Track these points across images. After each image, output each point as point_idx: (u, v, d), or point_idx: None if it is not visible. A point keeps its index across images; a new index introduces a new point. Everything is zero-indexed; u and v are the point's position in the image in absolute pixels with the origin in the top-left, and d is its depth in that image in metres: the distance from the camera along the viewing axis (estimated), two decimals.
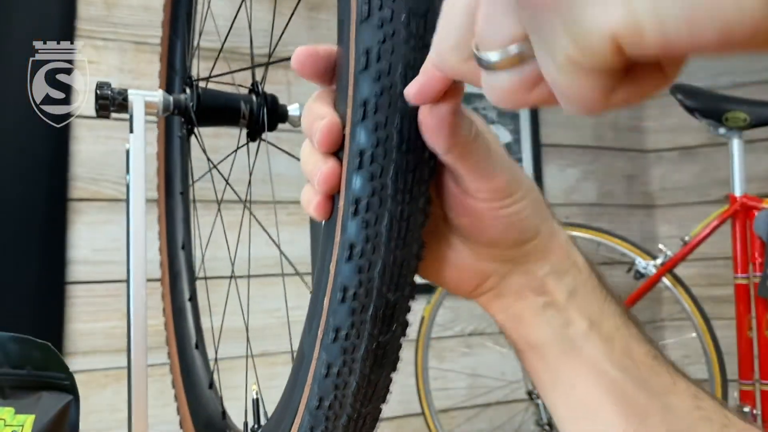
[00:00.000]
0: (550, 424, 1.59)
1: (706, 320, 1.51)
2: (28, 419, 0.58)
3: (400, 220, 0.32)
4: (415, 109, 0.32)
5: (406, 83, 0.31)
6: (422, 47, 0.31)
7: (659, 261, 1.51)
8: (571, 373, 0.37)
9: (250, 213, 0.75)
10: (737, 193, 1.45)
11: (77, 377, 0.62)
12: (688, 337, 1.63)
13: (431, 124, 0.32)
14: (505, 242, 0.36)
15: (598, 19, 0.18)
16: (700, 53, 0.17)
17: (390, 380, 0.36)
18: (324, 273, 0.35)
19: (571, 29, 0.19)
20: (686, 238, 1.50)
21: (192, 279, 0.98)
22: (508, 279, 0.38)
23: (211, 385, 0.87)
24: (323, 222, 0.36)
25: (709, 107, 1.45)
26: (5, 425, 0.57)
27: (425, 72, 0.30)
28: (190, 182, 1.01)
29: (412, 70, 0.31)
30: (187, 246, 1.00)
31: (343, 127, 0.34)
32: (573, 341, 0.37)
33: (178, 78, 0.99)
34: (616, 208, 2.10)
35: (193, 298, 0.97)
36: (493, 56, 0.24)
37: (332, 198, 0.35)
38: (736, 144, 1.45)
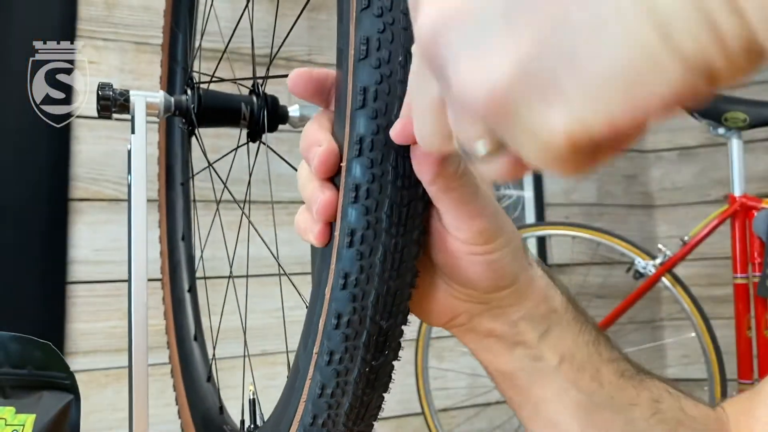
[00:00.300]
0: None
1: (706, 320, 1.51)
2: (29, 419, 0.58)
3: (394, 252, 0.33)
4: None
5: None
6: None
7: (658, 261, 1.51)
8: (539, 397, 0.39)
9: (247, 216, 0.75)
10: (736, 193, 1.45)
11: (78, 377, 0.62)
12: (688, 336, 1.63)
13: (418, 152, 0.32)
14: (480, 286, 0.37)
15: (550, 125, 0.19)
16: (648, 124, 0.19)
17: (382, 399, 0.37)
18: (319, 297, 0.36)
19: (532, 137, 0.20)
20: (685, 238, 1.50)
21: (192, 270, 0.98)
22: (479, 319, 0.39)
23: (210, 378, 0.87)
24: (318, 254, 0.37)
25: (709, 107, 1.45)
26: (6, 424, 0.57)
27: (405, 114, 0.31)
28: (191, 174, 1.01)
29: None
30: (187, 237, 1.00)
31: (341, 155, 0.34)
32: (542, 372, 0.39)
33: (180, 78, 0.99)
34: (615, 208, 2.11)
35: (192, 290, 0.97)
36: (477, 152, 0.24)
37: (330, 225, 0.36)
38: (735, 144, 1.45)
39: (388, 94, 0.32)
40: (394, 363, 0.36)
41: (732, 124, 1.42)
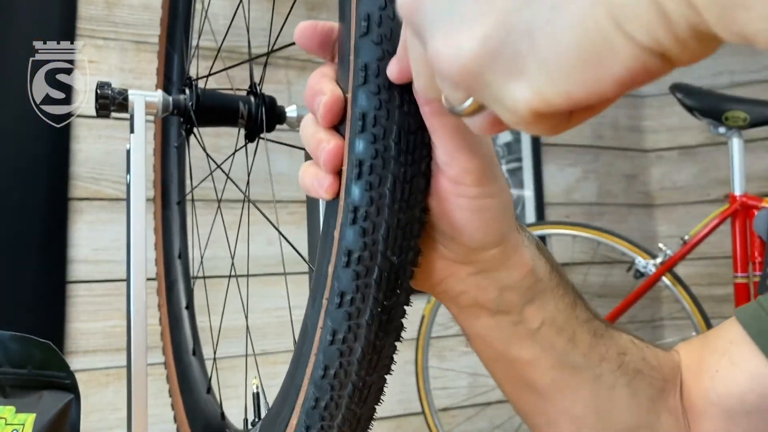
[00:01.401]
0: None
1: (706, 319, 1.51)
2: (29, 418, 0.58)
3: (403, 181, 0.32)
4: None
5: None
6: None
7: (659, 260, 1.51)
8: (514, 357, 0.41)
9: (253, 205, 0.75)
10: (737, 192, 1.45)
11: (78, 376, 0.62)
12: (688, 336, 1.63)
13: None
14: (466, 236, 0.36)
15: (515, 97, 0.22)
16: (609, 97, 0.21)
17: (395, 349, 0.36)
18: (327, 241, 0.35)
19: (502, 105, 0.23)
20: (686, 238, 1.50)
21: (189, 287, 0.98)
22: (464, 285, 0.38)
23: (209, 390, 0.87)
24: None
25: (709, 106, 1.45)
26: (6, 424, 0.57)
27: (401, 54, 0.31)
28: (188, 191, 1.01)
29: None
30: (184, 255, 1.00)
31: (345, 99, 0.34)
32: (521, 335, 0.40)
33: (175, 87, 0.99)
34: (616, 208, 2.10)
35: (189, 306, 0.97)
36: (458, 108, 0.27)
37: (339, 175, 0.35)
38: (735, 143, 1.45)
39: (392, 18, 0.31)
40: (406, 308, 0.35)
41: (732, 124, 1.42)
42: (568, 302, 0.41)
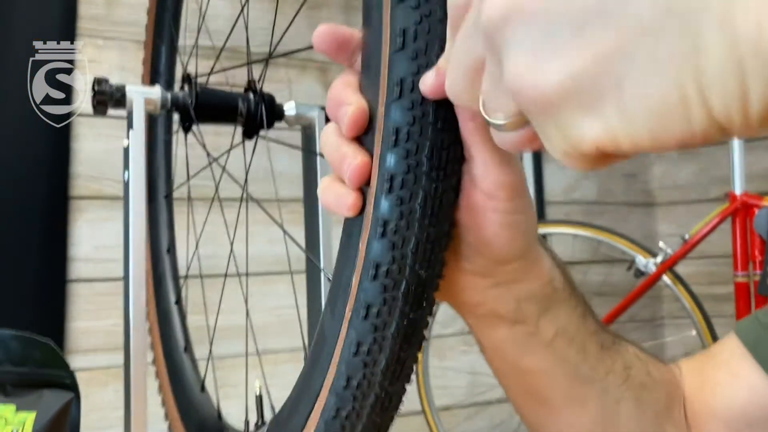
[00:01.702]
0: None
1: (706, 318, 1.51)
2: (30, 417, 0.58)
3: (434, 197, 0.32)
4: None
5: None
6: None
7: (659, 259, 1.51)
8: (527, 368, 0.41)
9: (257, 203, 0.75)
10: (737, 191, 1.45)
11: (78, 375, 0.62)
12: (688, 335, 1.63)
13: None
14: (494, 250, 0.37)
15: (583, 132, 0.23)
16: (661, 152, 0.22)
17: (416, 359, 0.36)
18: (350, 252, 0.35)
19: (563, 135, 0.24)
20: (686, 236, 1.50)
21: (177, 283, 0.98)
22: (483, 296, 0.39)
23: (203, 388, 0.87)
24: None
25: None
26: (6, 423, 0.57)
27: (440, 74, 0.31)
28: (184, 187, 1.01)
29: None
30: (172, 250, 1.00)
31: (372, 110, 0.34)
32: (535, 347, 0.40)
33: (162, 78, 0.99)
34: (616, 207, 2.10)
35: (179, 302, 0.96)
36: (497, 120, 0.27)
37: (362, 192, 0.35)
38: (736, 142, 1.45)
39: (428, 33, 0.32)
40: (429, 319, 0.35)
41: None
42: (579, 313, 0.42)
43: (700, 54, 0.19)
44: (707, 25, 0.19)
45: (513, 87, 0.24)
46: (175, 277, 0.98)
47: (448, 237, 0.34)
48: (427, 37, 0.32)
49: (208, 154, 0.81)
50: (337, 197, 0.36)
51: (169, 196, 1.01)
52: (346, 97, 0.35)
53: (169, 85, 1.00)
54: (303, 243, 0.85)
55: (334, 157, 0.36)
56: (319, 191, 0.37)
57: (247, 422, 0.75)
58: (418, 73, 0.32)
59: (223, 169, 0.80)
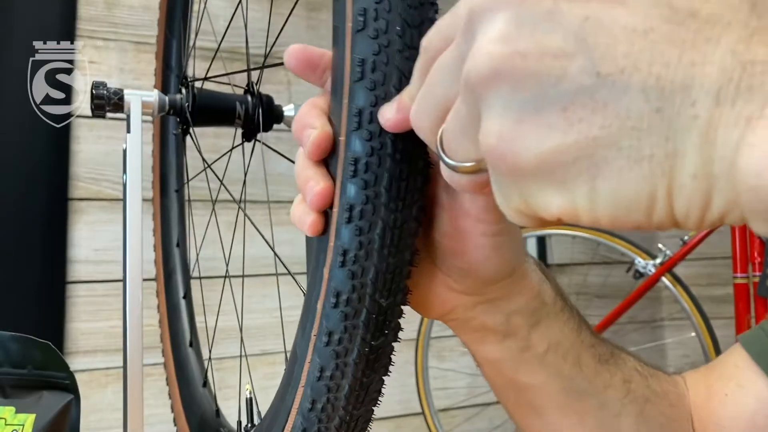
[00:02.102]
0: None
1: (706, 320, 1.51)
2: (29, 418, 0.58)
3: (393, 227, 0.32)
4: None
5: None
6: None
7: (658, 260, 1.51)
8: (523, 383, 0.41)
9: (244, 213, 0.75)
10: None
11: (78, 376, 0.62)
12: (688, 336, 1.63)
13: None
14: (482, 273, 0.37)
15: (547, 202, 0.23)
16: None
17: (382, 383, 0.36)
18: (317, 277, 0.35)
19: (523, 199, 0.24)
20: (685, 238, 1.50)
21: (187, 277, 0.98)
22: (473, 312, 0.39)
23: (205, 383, 0.87)
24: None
25: None
26: (6, 424, 0.57)
27: (401, 109, 0.31)
28: (185, 180, 1.01)
29: (407, 80, 0.32)
30: (182, 244, 1.00)
31: (335, 136, 0.34)
32: (529, 361, 0.40)
33: (174, 78, 0.99)
34: None
35: (187, 296, 0.97)
36: (451, 162, 0.27)
37: (325, 214, 0.35)
38: None
39: (386, 64, 0.31)
40: (394, 344, 0.36)
41: None
42: (572, 326, 0.42)
43: (677, 160, 0.20)
44: (691, 137, 0.20)
45: (487, 144, 0.24)
46: (185, 272, 0.98)
47: (409, 265, 0.34)
48: (385, 69, 0.31)
49: (204, 160, 0.81)
50: (301, 216, 0.36)
51: (179, 191, 1.01)
52: (311, 121, 0.35)
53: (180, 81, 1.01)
54: (303, 244, 0.85)
55: (300, 179, 0.36)
56: (292, 207, 0.38)
57: (239, 423, 0.76)
58: (376, 104, 0.31)
59: (221, 181, 0.80)
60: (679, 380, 0.48)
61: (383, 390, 0.37)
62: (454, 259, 0.37)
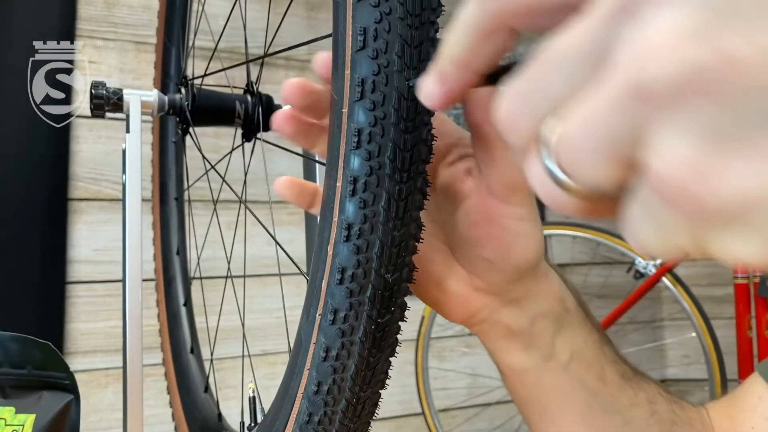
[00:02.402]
0: None
1: (706, 320, 1.51)
2: (29, 418, 0.58)
3: (398, 199, 0.32)
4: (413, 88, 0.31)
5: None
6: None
7: (659, 261, 1.51)
8: (548, 395, 0.41)
9: (249, 210, 0.75)
10: None
11: (78, 377, 0.62)
12: (688, 336, 1.63)
13: (478, 96, 0.33)
14: (510, 262, 0.37)
15: (737, 248, 0.17)
16: None
17: (389, 364, 0.36)
18: (321, 256, 0.34)
19: (700, 241, 0.18)
20: None
21: (187, 284, 0.98)
22: (498, 315, 0.39)
23: (207, 389, 0.87)
24: (321, 206, 0.36)
25: None
26: (6, 424, 0.57)
27: (446, 79, 0.26)
28: (185, 187, 1.01)
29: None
30: (182, 252, 1.00)
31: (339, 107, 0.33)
32: (553, 371, 0.40)
33: (173, 81, 0.99)
34: None
35: (187, 303, 0.97)
36: (565, 179, 0.20)
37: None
38: None
39: (388, 32, 0.31)
40: (401, 324, 0.35)
41: None
42: (595, 339, 0.41)
43: None
44: None
45: (666, 173, 0.17)
46: (185, 279, 0.98)
47: (415, 239, 0.34)
48: (387, 36, 0.31)
49: (205, 158, 0.81)
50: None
51: (179, 199, 1.01)
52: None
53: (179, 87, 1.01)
54: (303, 244, 0.85)
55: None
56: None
57: (242, 423, 0.76)
58: (378, 73, 0.31)
59: (223, 180, 0.80)
60: (703, 411, 0.47)
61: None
62: (480, 250, 0.36)
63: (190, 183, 1.00)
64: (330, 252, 0.33)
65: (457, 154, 0.38)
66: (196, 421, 0.83)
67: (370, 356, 0.34)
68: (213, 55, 0.77)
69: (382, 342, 0.34)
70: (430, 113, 0.32)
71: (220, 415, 0.81)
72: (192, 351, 0.93)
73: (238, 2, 0.80)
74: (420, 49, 0.32)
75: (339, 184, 0.33)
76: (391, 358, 0.36)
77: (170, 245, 1.00)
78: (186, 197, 1.02)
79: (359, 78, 0.31)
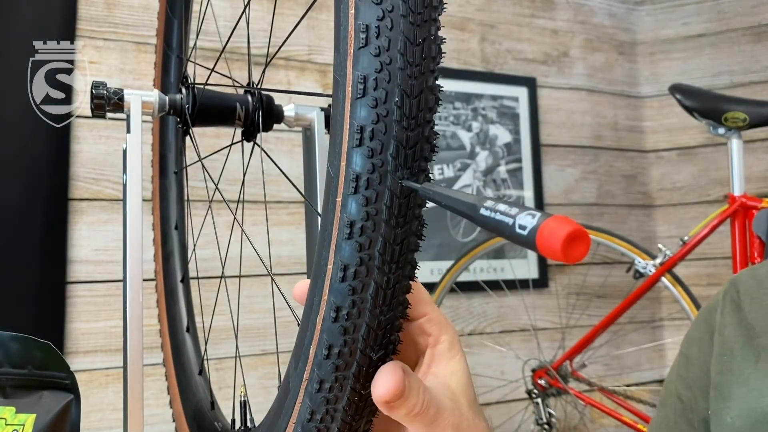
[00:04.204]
0: (549, 423, 1.60)
1: None
2: (29, 418, 0.58)
3: (386, 288, 0.33)
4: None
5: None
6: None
7: (658, 261, 1.51)
8: None
9: (237, 222, 0.75)
10: (736, 192, 1.45)
11: (78, 376, 0.62)
12: None
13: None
14: None
15: None
16: None
17: (370, 424, 0.38)
18: (310, 324, 0.35)
19: None
20: (685, 238, 1.50)
21: (185, 260, 0.98)
22: None
23: (201, 371, 0.87)
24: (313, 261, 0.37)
25: (708, 107, 1.45)
26: (6, 424, 0.57)
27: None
28: (184, 164, 1.01)
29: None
30: (181, 226, 1.00)
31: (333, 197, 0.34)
32: None
33: (173, 82, 0.99)
34: (615, 208, 2.11)
35: (185, 280, 0.96)
36: None
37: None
38: (735, 144, 1.45)
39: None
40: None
41: (732, 124, 1.42)
42: None
43: None
44: None
45: None
46: (183, 255, 0.98)
47: (401, 317, 0.35)
48: (383, 138, 0.31)
49: (200, 159, 0.81)
50: None
51: (178, 173, 1.01)
52: None
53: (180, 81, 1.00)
54: (303, 244, 0.85)
55: None
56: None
57: (233, 421, 0.76)
58: (373, 172, 0.32)
59: (216, 185, 0.80)
60: None
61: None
62: None
63: (186, 165, 0.99)
64: (318, 326, 0.35)
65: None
66: (189, 401, 0.84)
67: (353, 421, 0.35)
68: (220, 56, 0.77)
69: (364, 410, 0.36)
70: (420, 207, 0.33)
71: (213, 404, 0.82)
72: (188, 329, 0.93)
73: (244, 3, 0.80)
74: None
75: (330, 266, 0.34)
76: (372, 419, 0.37)
77: (169, 219, 1.00)
78: (185, 176, 1.02)
79: (354, 173, 0.32)
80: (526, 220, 0.24)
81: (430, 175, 0.34)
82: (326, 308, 0.34)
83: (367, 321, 0.33)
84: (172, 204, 1.00)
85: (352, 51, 0.32)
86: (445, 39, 0.33)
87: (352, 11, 0.32)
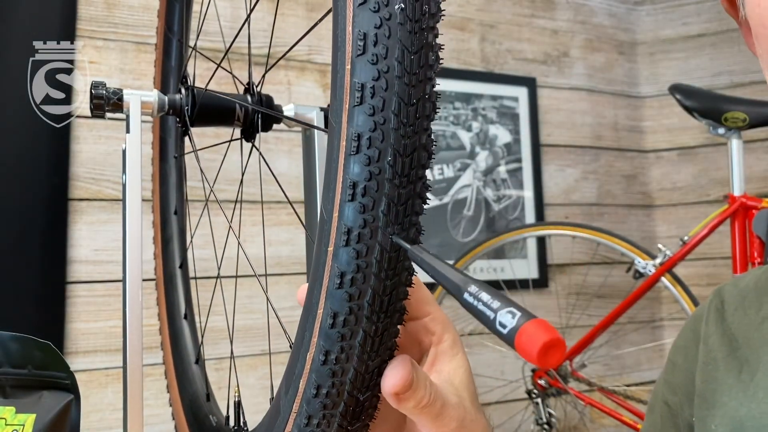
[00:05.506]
0: (550, 423, 1.60)
1: None
2: (29, 418, 0.58)
3: (374, 336, 0.34)
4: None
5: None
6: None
7: (658, 261, 1.51)
8: None
9: (230, 226, 0.75)
10: (736, 192, 1.45)
11: (78, 376, 0.62)
12: None
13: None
14: None
15: None
16: None
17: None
18: (299, 360, 0.36)
19: None
20: (685, 238, 1.50)
21: (183, 246, 0.98)
22: None
23: (198, 360, 0.87)
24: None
25: (708, 107, 1.45)
26: (6, 424, 0.57)
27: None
28: (183, 151, 1.01)
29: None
30: (180, 212, 1.00)
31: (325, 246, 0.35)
32: None
33: (172, 82, 0.99)
34: (615, 208, 2.11)
35: (183, 266, 0.96)
36: None
37: None
38: (735, 144, 1.45)
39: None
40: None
41: (732, 124, 1.42)
42: None
43: None
44: None
45: None
46: (182, 241, 0.98)
47: (389, 360, 0.36)
48: (375, 195, 0.32)
49: (194, 150, 0.81)
50: None
51: (178, 157, 1.01)
52: None
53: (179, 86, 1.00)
54: (303, 243, 0.85)
55: None
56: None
57: (227, 417, 0.76)
58: (365, 227, 0.32)
59: (211, 187, 0.80)
60: None
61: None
62: None
63: (183, 153, 0.99)
64: (308, 365, 0.35)
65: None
66: (186, 390, 0.84)
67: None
68: (223, 58, 0.77)
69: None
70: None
71: (209, 395, 0.82)
72: (185, 317, 0.93)
73: (247, 4, 0.80)
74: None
75: (320, 312, 0.34)
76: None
77: (168, 203, 1.00)
78: (182, 162, 1.01)
79: (345, 226, 0.32)
80: (506, 319, 0.26)
81: (422, 228, 0.34)
82: (315, 350, 0.35)
83: (354, 366, 0.34)
84: (171, 189, 1.00)
85: (347, 107, 0.32)
86: (439, 95, 0.33)
87: (348, 66, 0.32)
